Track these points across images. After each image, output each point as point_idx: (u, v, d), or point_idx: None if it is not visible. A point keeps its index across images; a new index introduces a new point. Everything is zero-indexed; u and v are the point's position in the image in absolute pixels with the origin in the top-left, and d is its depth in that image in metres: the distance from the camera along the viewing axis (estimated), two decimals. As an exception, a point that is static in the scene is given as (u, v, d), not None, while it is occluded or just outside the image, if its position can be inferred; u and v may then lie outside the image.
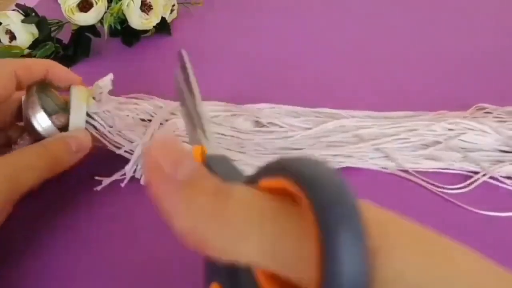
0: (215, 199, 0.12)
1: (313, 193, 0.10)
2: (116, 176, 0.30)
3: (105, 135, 0.30)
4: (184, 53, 0.25)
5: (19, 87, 0.27)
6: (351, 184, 0.11)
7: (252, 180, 0.13)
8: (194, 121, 0.19)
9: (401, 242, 0.11)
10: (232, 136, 0.33)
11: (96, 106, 0.29)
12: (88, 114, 0.29)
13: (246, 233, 0.11)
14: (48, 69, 0.29)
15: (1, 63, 0.27)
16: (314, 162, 0.11)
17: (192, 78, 0.22)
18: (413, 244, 0.11)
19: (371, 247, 0.10)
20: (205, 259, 0.15)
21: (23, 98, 0.28)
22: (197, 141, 0.18)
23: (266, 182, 0.12)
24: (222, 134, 0.33)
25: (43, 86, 0.29)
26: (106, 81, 0.30)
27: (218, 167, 0.15)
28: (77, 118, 0.28)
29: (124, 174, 0.30)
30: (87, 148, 0.28)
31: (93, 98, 0.30)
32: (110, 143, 0.30)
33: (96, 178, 0.30)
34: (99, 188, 0.30)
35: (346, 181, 0.11)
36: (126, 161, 0.30)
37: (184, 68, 0.24)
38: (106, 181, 0.30)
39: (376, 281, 0.10)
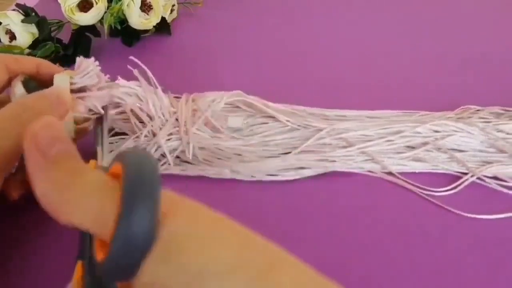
0: (69, 176, 0.15)
1: (125, 172, 0.15)
2: None
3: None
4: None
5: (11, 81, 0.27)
6: (160, 173, 0.15)
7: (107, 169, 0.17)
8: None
9: (179, 214, 0.15)
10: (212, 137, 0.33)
11: (79, 78, 0.29)
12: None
13: (81, 204, 0.15)
14: (38, 65, 0.29)
15: None
16: (138, 151, 0.16)
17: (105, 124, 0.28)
18: (186, 216, 0.15)
19: (160, 215, 0.14)
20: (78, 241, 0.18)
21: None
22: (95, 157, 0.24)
23: (113, 167, 0.16)
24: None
25: (32, 82, 0.29)
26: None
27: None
28: (60, 81, 0.28)
29: None
30: (66, 102, 0.27)
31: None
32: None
33: None
34: None
35: (155, 168, 0.15)
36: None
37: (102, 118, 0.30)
38: None
39: (159, 238, 0.14)
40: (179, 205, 0.16)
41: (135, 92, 0.32)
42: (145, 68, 0.33)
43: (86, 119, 0.29)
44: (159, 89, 0.33)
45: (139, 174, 0.15)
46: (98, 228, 0.15)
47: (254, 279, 0.14)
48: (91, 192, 0.15)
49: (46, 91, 0.27)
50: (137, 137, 0.33)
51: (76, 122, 0.29)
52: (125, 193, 0.14)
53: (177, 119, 0.33)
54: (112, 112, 0.32)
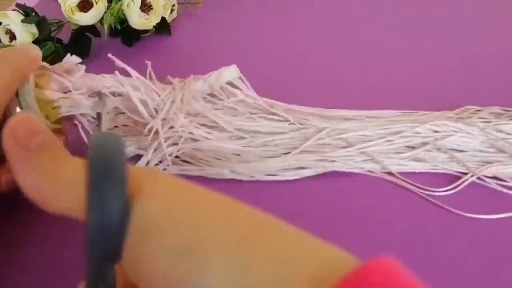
0: (53, 164, 0.15)
1: (90, 154, 0.15)
2: None
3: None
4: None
5: None
6: (126, 152, 0.14)
7: None
8: None
9: (151, 191, 0.15)
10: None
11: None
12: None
13: (68, 191, 0.15)
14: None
15: None
16: (104, 132, 0.15)
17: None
18: (158, 192, 0.15)
19: (130, 193, 0.14)
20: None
21: None
22: None
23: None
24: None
25: None
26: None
27: None
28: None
29: None
30: (38, 56, 0.27)
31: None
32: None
33: None
34: None
35: (118, 146, 0.15)
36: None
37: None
38: None
39: (132, 218, 0.14)
40: (150, 181, 0.16)
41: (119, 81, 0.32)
42: (124, 65, 0.33)
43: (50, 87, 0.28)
44: (148, 79, 0.33)
45: (102, 155, 0.14)
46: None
47: (234, 250, 0.14)
48: (76, 178, 0.15)
49: (17, 45, 0.26)
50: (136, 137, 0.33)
51: (40, 86, 0.27)
52: (89, 176, 0.14)
53: (173, 102, 0.33)
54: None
